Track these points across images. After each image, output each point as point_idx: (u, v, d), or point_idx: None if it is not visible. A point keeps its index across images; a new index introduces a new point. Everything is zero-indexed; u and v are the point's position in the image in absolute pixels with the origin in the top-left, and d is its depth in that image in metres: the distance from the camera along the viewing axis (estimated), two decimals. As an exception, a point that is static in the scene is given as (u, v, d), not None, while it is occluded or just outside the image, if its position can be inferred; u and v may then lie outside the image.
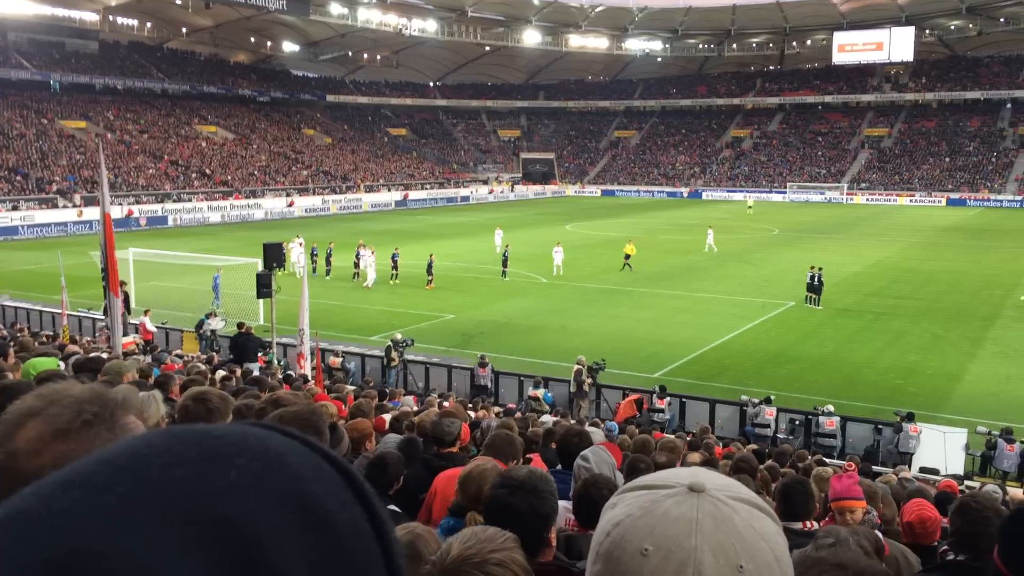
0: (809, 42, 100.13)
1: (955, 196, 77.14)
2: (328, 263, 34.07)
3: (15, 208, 52.38)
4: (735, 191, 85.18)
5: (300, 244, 34.44)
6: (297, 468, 0.58)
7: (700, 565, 0.81)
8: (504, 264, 33.96)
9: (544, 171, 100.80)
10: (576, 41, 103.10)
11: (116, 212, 53.56)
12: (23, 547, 0.50)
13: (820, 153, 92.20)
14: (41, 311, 24.81)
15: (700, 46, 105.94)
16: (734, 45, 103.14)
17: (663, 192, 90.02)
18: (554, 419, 13.40)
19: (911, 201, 77.68)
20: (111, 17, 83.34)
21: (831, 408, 16.48)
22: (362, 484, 0.60)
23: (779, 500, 4.33)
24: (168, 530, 0.51)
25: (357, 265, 33.23)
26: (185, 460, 0.55)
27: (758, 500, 0.88)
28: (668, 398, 17.38)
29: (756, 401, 16.82)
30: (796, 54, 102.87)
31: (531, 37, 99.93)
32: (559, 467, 5.41)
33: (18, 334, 16.58)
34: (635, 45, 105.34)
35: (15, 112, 66.73)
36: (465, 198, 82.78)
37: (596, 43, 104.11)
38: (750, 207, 68.43)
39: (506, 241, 37.42)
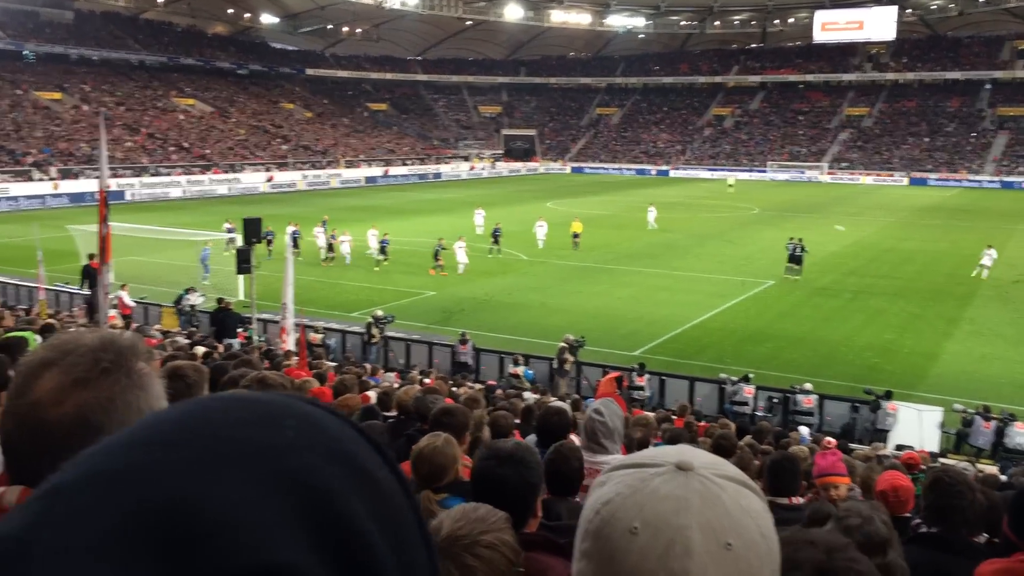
0: (791, 20, 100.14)
1: (933, 177, 77.71)
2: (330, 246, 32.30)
3: (-11, 180, 51.57)
4: (716, 169, 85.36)
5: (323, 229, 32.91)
6: (336, 431, 0.62)
7: (688, 543, 0.81)
8: (495, 241, 33.81)
9: (526, 148, 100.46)
10: (558, 16, 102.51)
11: (93, 185, 52.95)
12: (124, 497, 0.53)
13: (801, 132, 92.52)
14: (17, 285, 24.53)
15: (682, 23, 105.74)
16: (716, 22, 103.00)
17: (631, 171, 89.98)
18: (535, 397, 13.46)
19: (891, 181, 78.23)
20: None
21: (809, 386, 16.65)
22: (386, 450, 0.64)
23: (767, 476, 4.39)
24: (249, 481, 0.55)
25: (331, 249, 32.01)
26: (245, 421, 0.59)
27: (744, 477, 0.89)
28: (648, 376, 17.48)
29: (735, 379, 16.95)
30: (778, 32, 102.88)
31: (513, 12, 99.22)
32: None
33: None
34: (617, 21, 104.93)
35: (-12, 82, 65.55)
36: (437, 175, 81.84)
37: (578, 19, 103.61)
38: (731, 186, 68.63)
39: (493, 219, 37.21)
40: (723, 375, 17.54)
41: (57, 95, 68.82)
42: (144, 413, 1.35)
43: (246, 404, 0.62)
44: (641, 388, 17.15)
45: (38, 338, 7.75)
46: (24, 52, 72.50)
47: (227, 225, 32.63)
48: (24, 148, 57.66)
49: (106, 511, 0.52)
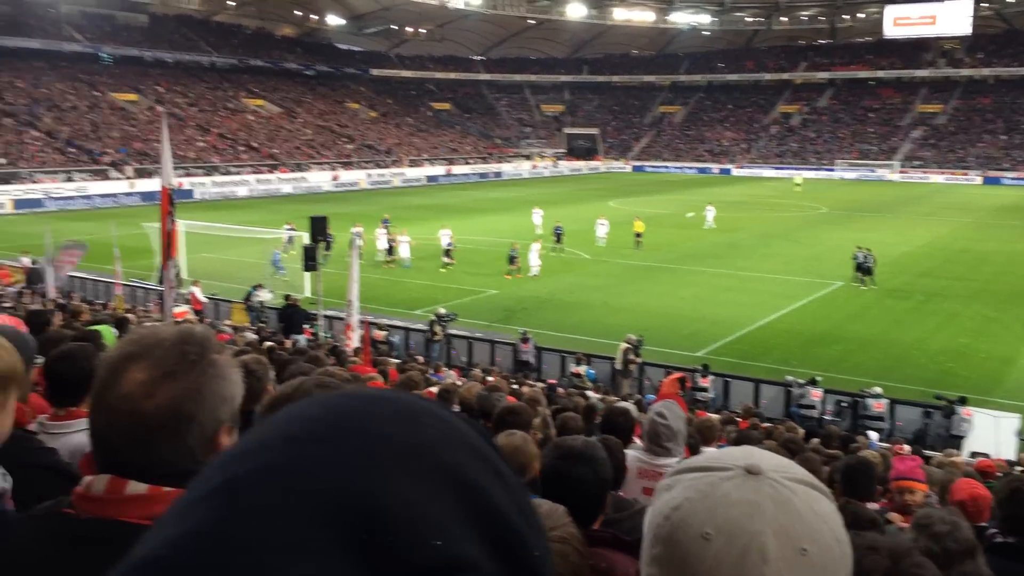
0: (861, 15, 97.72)
1: (1009, 175, 74.97)
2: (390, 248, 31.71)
3: (69, 179, 53.51)
4: (782, 168, 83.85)
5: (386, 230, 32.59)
6: (464, 427, 0.63)
7: (764, 549, 0.80)
8: (558, 240, 33.72)
9: (588, 146, 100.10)
10: (621, 14, 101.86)
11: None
12: (307, 491, 0.54)
13: (871, 130, 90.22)
14: (96, 280, 25.41)
15: (748, 19, 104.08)
16: (783, 18, 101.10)
17: (693, 169, 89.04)
18: (597, 396, 13.41)
19: (964, 180, 75.77)
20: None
21: (879, 390, 16.24)
22: (495, 442, 0.66)
23: (842, 480, 4.29)
24: (416, 477, 0.56)
25: (391, 252, 31.39)
26: (387, 417, 0.60)
27: (814, 480, 0.87)
28: (712, 377, 17.27)
29: (801, 382, 16.63)
30: (848, 27, 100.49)
31: (576, 10, 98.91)
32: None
33: (70, 301, 16.99)
34: (681, 18, 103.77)
35: (68, 84, 68.00)
36: (498, 174, 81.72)
37: (642, 16, 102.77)
38: (798, 184, 67.28)
39: (554, 218, 37.05)
40: (789, 377, 17.22)
41: (133, 96, 71.03)
42: (228, 401, 1.45)
43: (381, 401, 0.62)
44: (705, 389, 16.94)
45: (114, 331, 8.02)
46: (101, 55, 75.00)
47: (287, 226, 32.87)
48: (101, 148, 59.68)
49: (294, 506, 0.53)
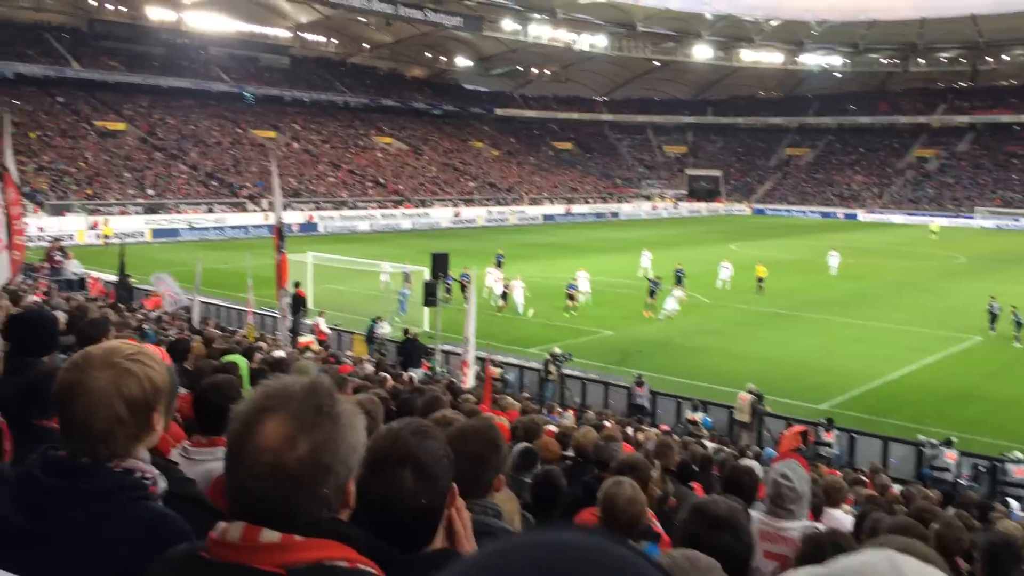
0: (1006, 57, 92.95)
1: None
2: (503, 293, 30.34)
3: (210, 210, 56.75)
4: (915, 214, 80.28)
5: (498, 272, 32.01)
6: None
7: None
8: (678, 282, 32.70)
9: (710, 188, 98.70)
10: (749, 56, 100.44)
11: (299, 217, 57.01)
12: None
13: (1016, 176, 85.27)
14: (228, 308, 26.72)
15: (883, 61, 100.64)
16: (921, 60, 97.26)
17: (816, 213, 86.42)
18: (714, 446, 13.05)
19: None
20: (302, 34, 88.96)
21: (1020, 455, 15.14)
22: None
23: (982, 561, 3.97)
24: None
25: (505, 298, 29.97)
26: (592, 567, 0.62)
27: None
28: (836, 432, 16.52)
29: (935, 442, 15.69)
30: (991, 70, 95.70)
31: (702, 52, 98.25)
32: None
33: (205, 328, 17.91)
34: (812, 60, 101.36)
35: (213, 121, 72.39)
36: (615, 214, 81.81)
37: (770, 58, 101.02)
38: (934, 232, 64.17)
39: (673, 260, 36.48)
40: (922, 437, 16.28)
41: (271, 133, 74.92)
42: (358, 449, 1.51)
43: (590, 558, 0.63)
44: (829, 444, 16.22)
45: (244, 360, 8.38)
46: (245, 94, 79.57)
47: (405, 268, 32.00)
48: (240, 181, 63.07)
49: None
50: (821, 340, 26.54)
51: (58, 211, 49.17)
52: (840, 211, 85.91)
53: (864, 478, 12.59)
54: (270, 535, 1.38)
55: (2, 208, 10.22)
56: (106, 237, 46.98)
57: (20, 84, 64.19)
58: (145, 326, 14.24)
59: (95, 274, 28.49)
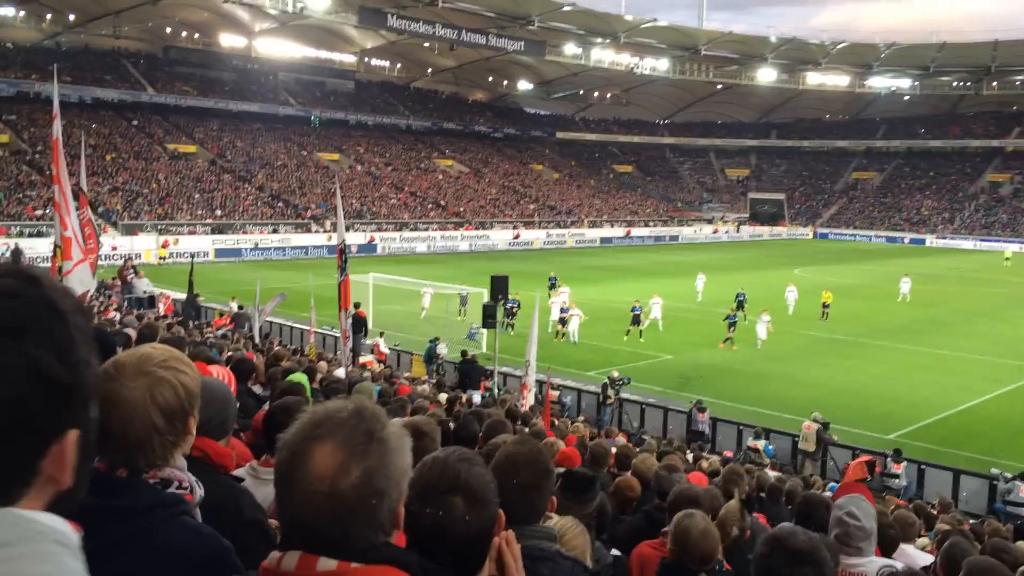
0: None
1: None
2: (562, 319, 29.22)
3: (275, 231, 57.99)
4: (987, 240, 77.85)
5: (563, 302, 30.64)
6: None
7: None
8: (739, 307, 32.04)
9: (773, 212, 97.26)
10: (814, 79, 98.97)
11: (360, 238, 57.87)
12: None
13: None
14: (291, 326, 27.19)
15: (954, 84, 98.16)
16: (994, 83, 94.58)
17: (880, 238, 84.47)
18: (776, 475, 12.74)
19: None
20: (366, 59, 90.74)
21: (1102, 492, 14.46)
22: None
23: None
24: None
25: (563, 323, 29.01)
26: None
27: None
28: (905, 463, 16.01)
29: (1009, 476, 15.08)
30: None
31: (766, 75, 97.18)
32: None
33: (270, 346, 18.23)
34: (879, 83, 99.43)
35: (280, 144, 74.12)
36: (675, 237, 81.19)
37: (836, 80, 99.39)
38: (1007, 259, 62.11)
39: (734, 284, 35.97)
40: (995, 470, 15.68)
41: (335, 156, 76.36)
42: (408, 472, 1.50)
43: None
44: (896, 476, 15.72)
45: (306, 378, 8.51)
46: (311, 118, 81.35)
47: (462, 291, 32.51)
48: (305, 203, 64.34)
49: None
50: (889, 368, 25.82)
51: (131, 231, 50.76)
52: (906, 236, 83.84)
53: (934, 511, 12.15)
54: (327, 563, 1.36)
55: (79, 226, 10.61)
56: (161, 258, 48.28)
57: (98, 108, 66.75)
58: (209, 341, 14.56)
59: (165, 292, 29.28)
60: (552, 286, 35.29)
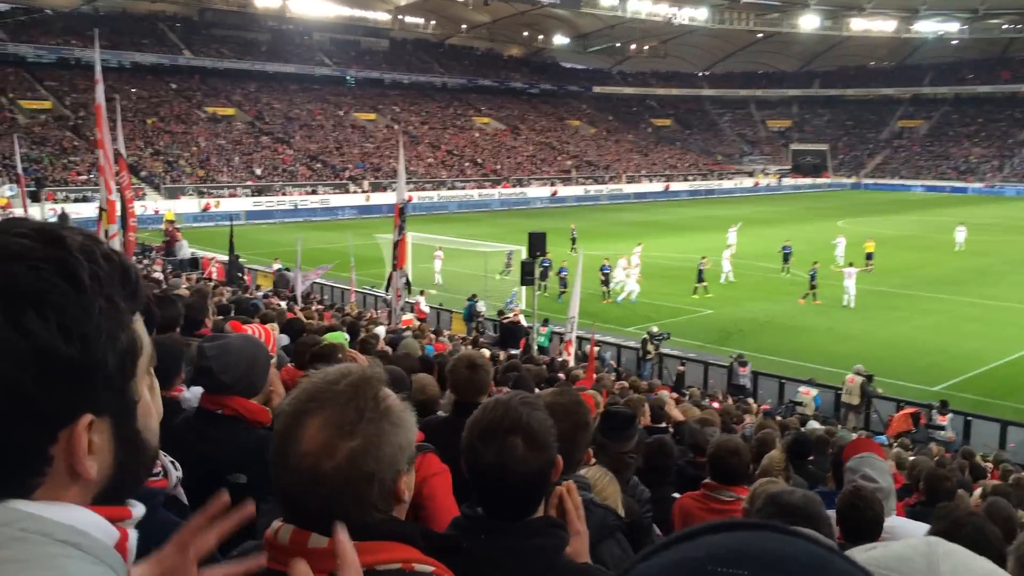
0: None
1: None
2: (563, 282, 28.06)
3: (313, 192, 58.33)
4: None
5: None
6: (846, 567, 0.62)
7: None
8: (785, 260, 32.03)
9: (816, 163, 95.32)
10: (859, 25, 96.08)
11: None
12: None
13: None
14: (332, 286, 27.45)
15: (1004, 26, 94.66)
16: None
17: (923, 187, 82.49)
18: (820, 427, 12.65)
19: None
20: (400, 16, 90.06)
21: None
22: None
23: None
24: None
25: (606, 283, 28.26)
26: (792, 559, 0.61)
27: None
28: (951, 415, 15.79)
29: (1060, 427, 14.82)
30: None
31: (808, 22, 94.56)
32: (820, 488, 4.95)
33: (311, 305, 18.43)
34: (926, 27, 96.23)
35: (317, 105, 74.24)
36: (711, 191, 79.21)
37: (881, 26, 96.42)
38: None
39: (780, 237, 35.34)
40: (1045, 421, 15.41)
41: (372, 116, 76.31)
42: (406, 448, 1.41)
43: (783, 547, 0.62)
44: (942, 428, 15.52)
45: (346, 336, 8.57)
46: (347, 78, 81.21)
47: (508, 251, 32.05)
48: (342, 163, 64.55)
49: None
50: (935, 319, 25.38)
51: (173, 194, 51.42)
52: (949, 185, 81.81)
53: (985, 464, 11.97)
54: (318, 540, 1.32)
55: (118, 192, 10.72)
56: (169, 221, 48.23)
57: (137, 72, 67.30)
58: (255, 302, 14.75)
59: (207, 254, 29.68)
60: (573, 240, 35.31)
